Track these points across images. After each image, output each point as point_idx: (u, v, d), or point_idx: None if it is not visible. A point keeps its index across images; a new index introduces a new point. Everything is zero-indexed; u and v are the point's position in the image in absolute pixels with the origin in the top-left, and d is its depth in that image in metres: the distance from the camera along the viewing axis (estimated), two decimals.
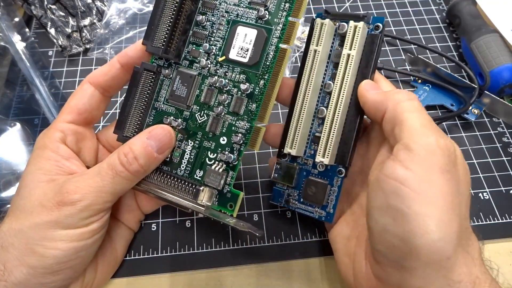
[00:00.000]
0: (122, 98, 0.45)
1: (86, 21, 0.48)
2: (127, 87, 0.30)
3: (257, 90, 0.27)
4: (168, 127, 0.28)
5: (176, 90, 0.29)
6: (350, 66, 0.27)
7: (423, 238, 0.20)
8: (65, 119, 0.29)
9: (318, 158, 0.28)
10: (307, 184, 0.30)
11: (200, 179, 0.28)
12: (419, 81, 0.45)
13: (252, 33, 0.28)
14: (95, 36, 0.48)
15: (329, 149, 0.27)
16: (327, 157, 0.27)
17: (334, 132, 0.27)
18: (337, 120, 0.27)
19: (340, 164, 0.28)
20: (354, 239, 0.29)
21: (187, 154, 0.29)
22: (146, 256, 0.34)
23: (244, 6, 0.28)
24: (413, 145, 0.22)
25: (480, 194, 0.38)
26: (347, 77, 0.27)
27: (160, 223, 0.36)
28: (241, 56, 0.27)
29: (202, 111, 0.28)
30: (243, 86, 0.27)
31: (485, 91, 0.42)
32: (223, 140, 0.28)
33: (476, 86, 0.41)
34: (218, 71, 0.28)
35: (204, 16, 0.29)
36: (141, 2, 0.50)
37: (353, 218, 0.30)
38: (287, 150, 0.29)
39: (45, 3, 0.47)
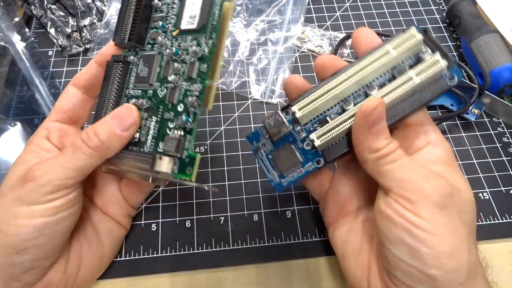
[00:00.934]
0: None
1: (86, 21, 0.48)
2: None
3: (206, 51, 0.27)
4: (129, 105, 0.29)
5: (140, 72, 0.30)
6: (403, 89, 0.26)
7: (438, 270, 0.22)
8: (50, 118, 0.30)
9: (313, 136, 0.27)
10: (284, 148, 0.29)
11: (162, 151, 0.28)
12: None
13: (197, 8, 0.28)
14: (95, 36, 0.48)
15: (328, 137, 0.27)
16: (320, 142, 0.27)
17: (342, 128, 0.27)
18: (353, 121, 0.26)
19: (324, 156, 0.28)
20: (367, 253, 0.28)
21: (151, 130, 0.29)
22: (146, 256, 0.34)
23: None
24: (407, 195, 0.24)
25: (480, 194, 0.38)
26: (392, 95, 0.26)
27: (160, 223, 0.36)
28: (191, 24, 0.28)
29: (162, 86, 0.29)
30: (193, 49, 0.27)
31: (485, 91, 0.42)
32: (180, 107, 0.28)
33: (476, 86, 0.41)
34: (173, 45, 0.29)
35: (159, 0, 0.30)
36: None
37: (361, 229, 0.29)
38: (295, 108, 0.28)
39: (45, 3, 0.47)
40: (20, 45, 0.46)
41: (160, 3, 0.30)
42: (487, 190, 0.38)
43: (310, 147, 0.29)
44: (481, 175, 0.39)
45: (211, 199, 0.38)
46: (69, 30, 0.47)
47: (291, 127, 0.29)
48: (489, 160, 0.40)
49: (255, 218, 0.37)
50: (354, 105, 0.27)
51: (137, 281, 0.33)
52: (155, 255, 0.34)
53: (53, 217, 0.26)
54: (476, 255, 0.24)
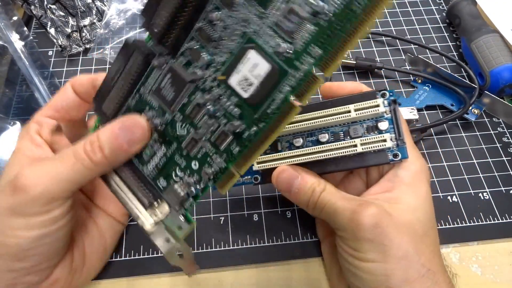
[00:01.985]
0: None
1: (86, 21, 0.48)
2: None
3: (245, 135, 0.23)
4: (143, 122, 0.25)
5: (163, 89, 0.25)
6: (345, 151, 0.27)
7: None
8: (43, 113, 0.29)
9: (254, 164, 0.29)
10: None
11: (162, 188, 0.26)
12: (419, 81, 0.45)
13: (263, 67, 0.21)
14: (95, 36, 0.48)
15: (266, 166, 0.29)
16: (258, 167, 0.29)
17: (283, 163, 0.29)
18: (295, 162, 0.28)
19: (262, 176, 0.30)
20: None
21: (156, 158, 0.26)
22: (146, 256, 0.34)
23: (268, 25, 0.21)
24: (340, 234, 0.27)
25: (480, 194, 0.38)
26: (334, 153, 0.27)
27: None
28: (242, 89, 0.22)
29: (185, 124, 0.25)
30: (234, 123, 0.23)
31: (485, 91, 0.42)
32: (195, 165, 0.25)
33: (476, 86, 0.41)
34: (213, 89, 0.23)
35: (218, 13, 0.22)
36: (141, 3, 0.50)
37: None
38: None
39: (45, 3, 0.47)
40: (18, 44, 0.46)
41: (217, 16, 0.22)
42: (487, 190, 0.38)
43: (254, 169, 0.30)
44: (481, 175, 0.39)
45: (211, 199, 0.38)
46: (69, 30, 0.47)
47: None
48: (489, 160, 0.40)
49: (255, 218, 0.37)
50: (303, 141, 0.29)
51: (137, 281, 0.33)
52: (155, 255, 0.34)
53: (52, 227, 0.25)
54: (430, 263, 0.25)
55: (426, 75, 0.44)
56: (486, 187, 0.38)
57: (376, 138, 0.27)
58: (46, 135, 0.29)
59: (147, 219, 0.26)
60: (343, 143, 0.27)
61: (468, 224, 0.36)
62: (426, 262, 0.25)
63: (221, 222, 0.36)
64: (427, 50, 0.47)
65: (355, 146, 0.27)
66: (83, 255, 0.29)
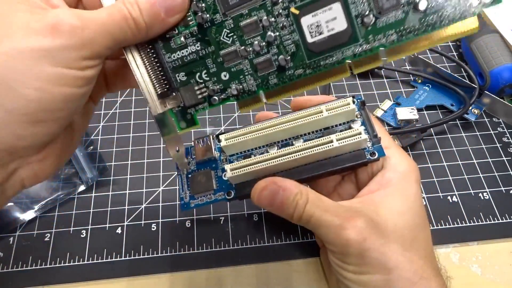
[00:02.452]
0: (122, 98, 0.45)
1: None
2: None
3: (289, 73, 0.24)
4: None
5: None
6: (322, 148, 0.26)
7: None
8: None
9: (227, 167, 0.27)
10: (204, 172, 0.30)
11: (179, 82, 0.25)
12: (419, 80, 0.45)
13: (341, 24, 0.22)
14: None
15: (241, 171, 0.27)
16: (232, 174, 0.27)
17: (258, 167, 0.27)
18: (271, 164, 0.27)
19: (236, 190, 0.28)
20: None
21: (185, 51, 0.24)
22: (146, 256, 0.34)
23: None
24: (328, 247, 0.27)
25: (480, 194, 0.38)
26: (311, 152, 0.26)
27: (160, 223, 0.36)
28: (310, 32, 0.22)
29: (233, 33, 0.23)
30: (281, 59, 0.23)
31: (485, 91, 0.42)
32: (225, 76, 0.25)
33: (476, 86, 0.41)
34: (279, 16, 0.23)
35: None
36: None
37: None
38: (222, 137, 0.29)
39: None
40: None
41: None
42: (487, 190, 0.38)
43: (227, 178, 0.29)
44: (481, 175, 0.39)
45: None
46: None
47: (218, 154, 0.30)
48: (489, 160, 0.40)
49: (255, 218, 0.37)
50: (278, 149, 0.28)
51: (137, 281, 0.33)
52: (155, 255, 0.34)
53: (80, 89, 0.21)
54: (422, 270, 0.25)
55: (426, 75, 0.44)
56: (486, 187, 0.38)
57: (351, 131, 0.26)
58: None
59: (157, 107, 0.25)
60: (319, 140, 0.26)
61: (468, 224, 0.36)
62: (418, 269, 0.25)
63: (221, 222, 0.36)
64: (427, 50, 0.47)
65: (331, 142, 0.26)
66: (72, 132, 0.25)
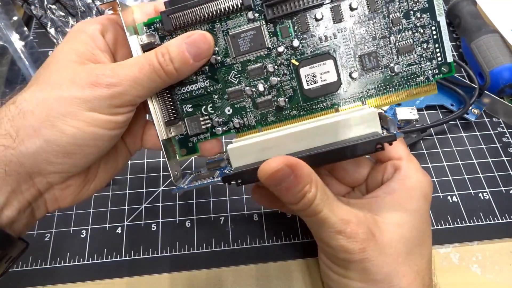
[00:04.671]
0: None
1: None
2: None
3: (285, 112, 0.27)
4: (209, 36, 0.26)
5: (241, 37, 0.27)
6: (334, 116, 0.26)
7: None
8: (108, 17, 0.27)
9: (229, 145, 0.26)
10: (209, 173, 0.30)
11: (185, 112, 0.28)
12: None
13: (332, 77, 0.27)
14: None
15: (246, 145, 0.26)
16: (236, 145, 0.26)
17: (265, 140, 0.26)
18: (277, 135, 0.26)
19: (234, 174, 0.26)
20: None
21: (195, 86, 0.28)
22: (146, 256, 0.34)
23: (353, 53, 0.27)
24: (323, 248, 0.27)
25: (480, 194, 0.38)
26: (320, 122, 0.25)
27: (160, 223, 0.36)
28: (306, 80, 0.27)
29: (240, 75, 0.27)
30: (281, 100, 0.27)
31: (485, 91, 0.42)
32: (228, 110, 0.28)
33: (476, 86, 0.41)
34: (282, 65, 0.27)
35: (322, 14, 0.26)
36: (140, 3, 0.50)
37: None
38: (230, 145, 0.27)
39: (45, 3, 0.47)
40: (18, 44, 0.46)
41: (320, 20, 0.26)
42: (487, 190, 0.38)
43: (229, 171, 0.27)
44: (481, 175, 0.39)
45: (211, 199, 0.38)
46: (69, 30, 0.47)
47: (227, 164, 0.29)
48: (489, 160, 0.40)
49: (255, 218, 0.37)
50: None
51: (137, 281, 0.33)
52: (155, 255, 0.34)
53: (110, 132, 0.25)
54: (410, 284, 0.25)
55: None
56: (486, 187, 0.38)
57: (358, 106, 0.27)
58: (110, 41, 0.27)
59: (163, 133, 0.28)
60: (327, 112, 0.27)
61: (468, 224, 0.36)
62: (406, 285, 0.25)
63: (221, 222, 0.36)
64: None
65: (338, 114, 0.26)
66: (96, 171, 0.28)
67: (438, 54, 0.26)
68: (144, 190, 0.39)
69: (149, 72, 0.24)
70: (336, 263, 0.26)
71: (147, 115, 0.30)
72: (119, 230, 0.36)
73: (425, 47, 0.26)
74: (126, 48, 0.27)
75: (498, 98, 0.41)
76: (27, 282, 0.33)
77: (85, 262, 0.34)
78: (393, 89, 0.27)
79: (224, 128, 0.28)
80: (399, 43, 0.26)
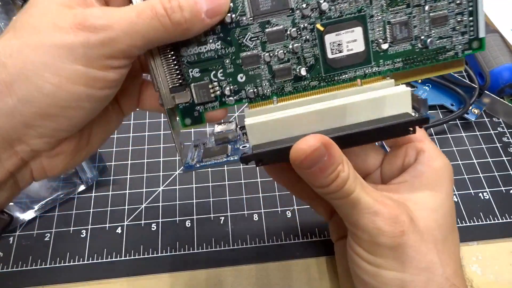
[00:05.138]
0: None
1: None
2: None
3: (304, 83, 0.25)
4: None
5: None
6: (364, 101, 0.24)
7: None
8: None
9: (247, 119, 0.25)
10: (220, 146, 0.27)
11: (192, 77, 0.24)
12: (419, 80, 0.45)
13: (359, 46, 0.24)
14: None
15: (265, 121, 0.24)
16: (251, 121, 0.24)
17: (286, 117, 0.24)
18: (300, 113, 0.24)
19: (253, 151, 0.24)
20: None
21: (203, 48, 0.24)
22: (146, 256, 0.34)
23: (384, 19, 0.24)
24: (357, 233, 0.24)
25: (480, 194, 0.38)
26: (346, 100, 0.24)
27: (160, 223, 0.36)
28: (331, 49, 0.24)
29: (257, 38, 0.24)
30: (302, 69, 0.24)
31: (485, 91, 0.42)
32: (241, 78, 0.25)
33: (476, 86, 0.41)
34: (305, 30, 0.24)
35: None
36: None
37: None
38: (249, 120, 0.25)
39: None
40: None
41: None
42: (487, 190, 0.38)
43: (245, 148, 0.26)
44: (481, 175, 0.39)
45: (211, 199, 0.38)
46: None
47: (238, 134, 0.28)
48: (489, 160, 0.40)
49: (255, 218, 0.37)
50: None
51: (137, 281, 0.33)
52: (155, 255, 0.34)
53: (99, 92, 0.20)
54: (454, 276, 0.23)
55: None
56: (486, 187, 0.38)
57: (382, 80, 0.25)
58: None
59: (168, 102, 0.25)
60: (346, 85, 0.25)
61: (468, 224, 0.36)
62: (451, 275, 0.23)
63: (221, 222, 0.36)
64: None
65: (363, 90, 0.24)
66: (88, 136, 0.25)
67: (471, 28, 0.24)
68: (144, 190, 0.38)
69: (150, 17, 0.20)
70: (371, 251, 0.23)
71: (145, 74, 0.27)
72: (119, 230, 0.36)
73: (459, 19, 0.24)
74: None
75: (498, 98, 0.41)
76: (27, 282, 0.33)
77: (85, 262, 0.34)
78: (420, 63, 0.25)
79: (235, 98, 0.25)
80: (433, 14, 0.24)
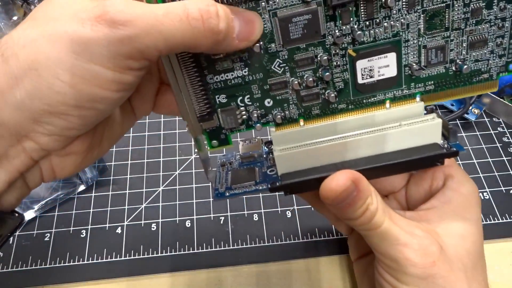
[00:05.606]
0: None
1: None
2: None
3: (332, 106, 0.24)
4: (261, 22, 0.21)
5: (292, 22, 0.22)
6: (392, 133, 0.24)
7: None
8: None
9: (275, 150, 0.25)
10: (247, 169, 0.28)
11: (219, 103, 0.24)
12: None
13: (391, 71, 0.23)
14: None
15: (292, 153, 0.25)
16: (280, 152, 0.25)
17: (313, 149, 0.25)
18: (327, 144, 0.24)
19: (281, 180, 0.25)
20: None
21: (230, 75, 0.23)
22: (146, 256, 0.34)
23: (420, 44, 0.23)
24: (388, 263, 0.23)
25: (480, 194, 0.38)
26: (375, 133, 0.24)
27: (160, 223, 0.36)
28: (362, 74, 0.23)
29: (285, 65, 0.23)
30: (331, 95, 0.24)
31: None
32: (268, 102, 0.24)
33: None
34: (336, 56, 0.23)
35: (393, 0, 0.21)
36: None
37: None
38: (276, 148, 0.25)
39: None
40: None
41: (389, 6, 0.22)
42: (487, 190, 0.38)
43: (272, 173, 0.27)
44: (481, 175, 0.39)
45: (211, 199, 0.38)
46: None
47: (264, 150, 0.28)
48: (489, 160, 0.40)
49: (255, 218, 0.37)
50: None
51: (137, 281, 0.33)
52: (155, 255, 0.34)
53: (113, 94, 0.19)
54: None
55: None
56: (486, 187, 0.38)
57: (411, 102, 0.24)
58: None
59: (196, 129, 0.24)
60: (374, 107, 0.25)
61: None
62: None
63: (221, 222, 0.36)
64: None
65: (398, 124, 0.24)
66: (101, 137, 0.24)
67: (511, 51, 0.23)
68: (144, 190, 0.38)
69: (179, 19, 0.18)
70: (401, 279, 0.23)
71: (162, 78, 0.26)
72: (119, 230, 0.36)
73: (498, 42, 0.23)
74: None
75: (498, 98, 0.41)
76: (27, 282, 0.33)
77: (85, 262, 0.34)
78: (453, 85, 0.24)
79: (262, 121, 0.25)
80: (473, 37, 0.23)
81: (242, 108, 0.24)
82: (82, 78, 0.18)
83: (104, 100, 0.19)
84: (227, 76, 0.24)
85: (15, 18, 0.48)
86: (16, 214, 0.21)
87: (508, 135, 0.41)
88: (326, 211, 0.30)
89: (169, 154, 0.41)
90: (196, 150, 0.26)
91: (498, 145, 0.41)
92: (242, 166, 0.28)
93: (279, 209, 0.37)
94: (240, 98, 0.24)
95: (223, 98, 0.24)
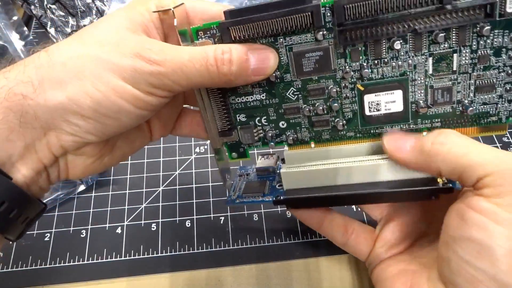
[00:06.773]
0: None
1: (86, 21, 0.48)
2: None
3: (341, 133, 0.26)
4: (276, 57, 0.24)
5: (306, 57, 0.24)
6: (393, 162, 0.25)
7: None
8: None
9: (283, 168, 0.28)
10: (260, 182, 0.32)
11: (239, 121, 0.27)
12: None
13: (397, 107, 0.25)
14: None
15: (297, 172, 0.27)
16: (286, 169, 0.28)
17: (316, 170, 0.27)
18: (329, 167, 0.27)
19: (286, 195, 0.28)
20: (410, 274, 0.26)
21: (250, 98, 0.26)
22: (146, 256, 0.34)
23: (426, 84, 0.24)
24: (495, 181, 0.21)
25: None
26: (377, 161, 0.26)
27: (160, 223, 0.36)
28: (369, 107, 0.25)
29: (299, 93, 0.26)
30: (339, 124, 0.26)
31: None
32: (282, 124, 0.27)
33: None
34: (345, 88, 0.25)
35: (400, 43, 0.23)
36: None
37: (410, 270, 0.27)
38: (283, 165, 0.28)
39: (45, 3, 0.47)
40: (18, 44, 0.46)
41: (399, 45, 0.23)
42: None
43: (280, 188, 0.30)
44: None
45: (211, 199, 0.38)
46: (69, 30, 0.47)
47: (278, 167, 0.32)
48: None
49: (255, 218, 0.37)
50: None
51: (137, 281, 0.33)
52: (155, 255, 0.34)
53: (137, 110, 0.23)
54: None
55: None
56: None
57: None
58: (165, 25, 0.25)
59: (216, 142, 0.28)
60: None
61: None
62: None
63: (221, 222, 0.36)
64: None
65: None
66: (112, 147, 0.27)
67: None
68: (144, 190, 0.39)
69: (199, 64, 0.22)
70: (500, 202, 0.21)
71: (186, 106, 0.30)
72: (119, 230, 0.36)
73: (508, 88, 0.23)
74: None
75: None
76: (27, 282, 0.33)
77: (85, 262, 0.34)
78: (460, 124, 0.25)
79: (277, 140, 0.28)
80: (480, 81, 0.24)
81: (259, 127, 0.27)
82: (116, 92, 0.22)
83: (129, 114, 0.23)
84: (247, 98, 0.27)
85: (15, 18, 0.48)
86: (41, 202, 0.24)
87: (508, 135, 0.41)
88: (330, 235, 0.31)
89: (169, 154, 0.41)
90: (216, 158, 0.29)
91: (498, 145, 0.41)
92: (258, 178, 0.32)
93: (279, 209, 0.37)
94: (258, 118, 0.27)
95: (242, 117, 0.27)
